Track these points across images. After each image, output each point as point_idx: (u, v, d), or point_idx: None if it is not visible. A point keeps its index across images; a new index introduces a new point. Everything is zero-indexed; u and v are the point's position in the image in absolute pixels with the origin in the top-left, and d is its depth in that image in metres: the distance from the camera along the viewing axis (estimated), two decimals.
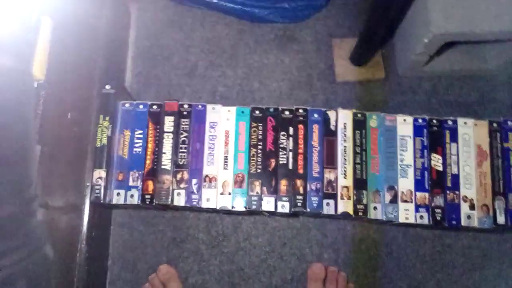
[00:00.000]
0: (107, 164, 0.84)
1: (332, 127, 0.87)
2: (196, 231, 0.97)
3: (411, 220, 0.83)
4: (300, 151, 0.86)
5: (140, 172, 0.85)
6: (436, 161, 0.85)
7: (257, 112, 0.88)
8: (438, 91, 1.03)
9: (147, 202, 0.84)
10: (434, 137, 0.86)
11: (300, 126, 0.88)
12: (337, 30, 1.06)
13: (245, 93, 1.04)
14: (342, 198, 0.84)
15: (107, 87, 0.87)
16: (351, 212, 0.83)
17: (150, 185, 0.85)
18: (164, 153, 0.86)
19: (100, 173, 0.84)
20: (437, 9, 0.82)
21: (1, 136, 0.62)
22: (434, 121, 0.87)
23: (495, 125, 0.87)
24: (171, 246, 0.97)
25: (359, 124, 0.87)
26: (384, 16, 0.81)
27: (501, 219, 0.83)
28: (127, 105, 0.88)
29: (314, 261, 0.95)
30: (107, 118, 0.86)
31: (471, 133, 0.86)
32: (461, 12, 0.83)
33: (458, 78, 1.03)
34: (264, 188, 0.85)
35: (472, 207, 0.83)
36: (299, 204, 0.84)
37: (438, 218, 0.83)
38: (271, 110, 0.88)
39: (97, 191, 0.83)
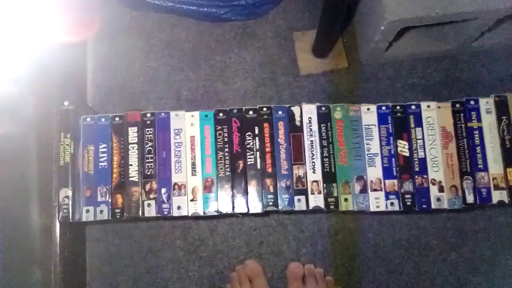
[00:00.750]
0: (73, 182, 0.83)
1: (298, 123, 0.87)
2: (172, 238, 0.97)
3: (382, 208, 0.83)
4: (268, 150, 0.86)
5: (107, 187, 0.84)
6: (402, 147, 0.86)
7: (221, 114, 0.88)
8: (401, 75, 1.03)
9: (118, 217, 0.83)
10: (399, 123, 0.86)
11: (266, 125, 0.87)
12: (297, 23, 1.05)
13: (210, 95, 1.03)
14: (312, 193, 0.84)
15: (66, 103, 0.86)
16: (323, 206, 0.83)
17: (119, 198, 0.84)
18: (131, 165, 0.85)
19: (66, 192, 0.83)
20: None
21: None
22: (398, 107, 0.87)
23: (458, 105, 0.87)
24: (149, 256, 0.96)
25: (324, 117, 0.87)
26: (338, 5, 0.81)
27: (470, 198, 0.84)
28: (88, 119, 0.87)
29: (291, 260, 0.95)
30: (68, 135, 0.84)
31: (435, 116, 0.87)
32: None
33: (421, 61, 1.03)
34: (234, 191, 0.85)
35: (441, 189, 0.84)
36: (271, 203, 0.84)
37: (409, 203, 0.83)
38: (235, 111, 0.88)
39: (65, 210, 0.82)
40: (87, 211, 0.83)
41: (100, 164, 0.85)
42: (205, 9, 1.02)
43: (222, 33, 1.05)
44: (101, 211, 0.83)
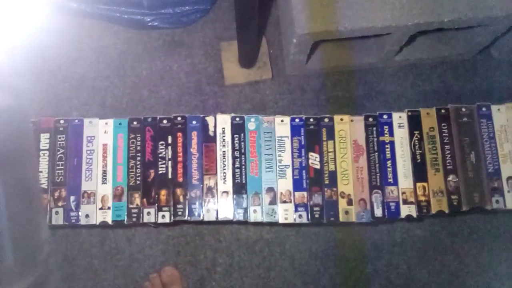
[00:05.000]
0: None
1: (211, 133, 0.87)
2: (89, 246, 0.96)
3: (290, 220, 0.83)
4: (180, 159, 0.86)
5: None
6: (314, 159, 0.86)
7: (135, 123, 0.87)
8: (326, 87, 1.04)
9: None
10: (311, 136, 0.87)
11: (179, 134, 0.87)
12: (225, 33, 1.05)
13: (135, 102, 1.02)
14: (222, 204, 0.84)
15: None
16: (231, 217, 0.83)
17: None
18: (41, 171, 0.84)
19: None
20: (299, 10, 0.83)
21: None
22: (311, 120, 0.88)
23: (371, 119, 0.88)
24: (64, 263, 0.95)
25: (238, 128, 0.87)
26: (246, 18, 0.81)
27: (378, 212, 0.84)
28: None
29: (211, 267, 0.95)
30: None
31: (348, 129, 0.87)
32: (324, 11, 0.83)
33: (346, 73, 1.04)
34: (144, 200, 0.84)
35: (349, 202, 0.84)
36: (180, 213, 0.84)
37: (317, 215, 0.83)
38: (149, 119, 0.87)
39: None
40: None
41: None
42: (133, 16, 1.02)
43: (150, 41, 1.05)
44: None
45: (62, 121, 0.87)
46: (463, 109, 0.89)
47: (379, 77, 1.05)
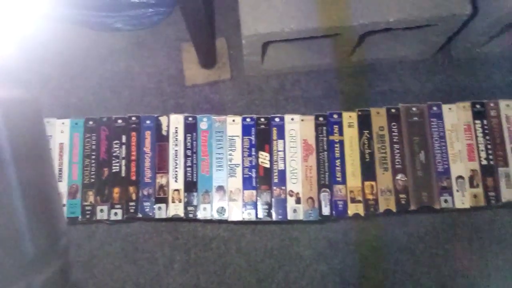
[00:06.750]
0: None
1: (164, 132, 0.89)
2: None
3: (239, 218, 0.85)
4: (133, 158, 0.88)
5: None
6: (264, 158, 0.88)
7: (91, 122, 0.89)
8: (285, 88, 1.05)
9: None
10: (262, 135, 0.88)
11: (133, 134, 0.89)
12: (186, 34, 1.05)
13: (98, 103, 1.04)
14: (173, 202, 0.86)
15: None
16: (182, 214, 0.85)
17: None
18: None
19: None
20: (246, 11, 0.84)
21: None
22: (262, 119, 0.89)
23: (321, 119, 0.89)
24: None
25: (190, 128, 0.89)
26: (195, 23, 0.83)
27: (326, 210, 0.86)
28: None
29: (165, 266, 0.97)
30: None
31: (298, 129, 0.89)
32: (271, 12, 0.85)
33: (305, 74, 1.06)
34: (98, 197, 0.86)
35: (298, 200, 0.86)
36: (132, 210, 0.86)
37: (265, 213, 0.85)
38: (105, 119, 0.90)
39: None
40: None
41: None
42: (96, 19, 1.04)
43: (114, 42, 1.07)
44: None
45: None
46: (414, 109, 0.90)
47: (337, 77, 1.06)
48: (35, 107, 0.65)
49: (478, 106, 0.90)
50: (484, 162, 0.87)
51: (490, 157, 0.87)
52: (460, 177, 0.88)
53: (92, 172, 0.87)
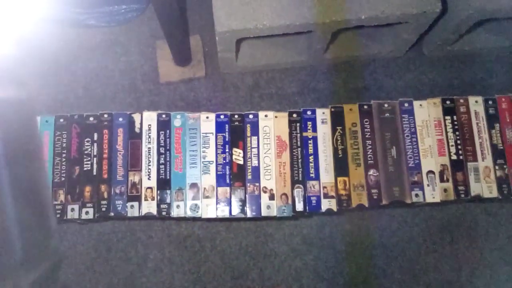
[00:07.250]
0: None
1: (137, 130, 0.88)
2: None
3: (213, 215, 0.85)
4: (105, 156, 0.87)
5: None
6: (237, 155, 0.88)
7: (61, 120, 0.88)
8: (260, 85, 1.05)
9: None
10: (236, 132, 0.88)
11: (105, 131, 0.88)
12: (160, 31, 1.05)
13: (70, 101, 1.03)
14: (146, 199, 0.85)
15: None
16: (155, 212, 0.84)
17: None
18: None
19: None
20: (219, 7, 0.84)
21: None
22: (236, 116, 0.89)
23: (295, 115, 0.90)
24: None
25: (164, 125, 0.88)
26: (169, 21, 0.83)
27: (300, 206, 0.86)
28: None
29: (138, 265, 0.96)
30: None
31: (272, 125, 0.89)
32: (244, 9, 0.85)
33: (279, 71, 1.06)
34: (68, 196, 0.85)
35: (271, 197, 0.86)
36: (104, 209, 0.85)
37: (239, 210, 0.85)
38: (76, 117, 0.88)
39: None
40: None
41: None
42: (68, 15, 1.03)
43: (86, 39, 1.06)
44: None
45: None
46: (386, 105, 0.92)
47: (312, 75, 1.06)
48: (29, 108, 0.64)
49: (448, 102, 0.92)
50: (454, 157, 0.89)
51: (460, 152, 0.89)
52: (430, 171, 0.89)
53: (63, 171, 0.86)
